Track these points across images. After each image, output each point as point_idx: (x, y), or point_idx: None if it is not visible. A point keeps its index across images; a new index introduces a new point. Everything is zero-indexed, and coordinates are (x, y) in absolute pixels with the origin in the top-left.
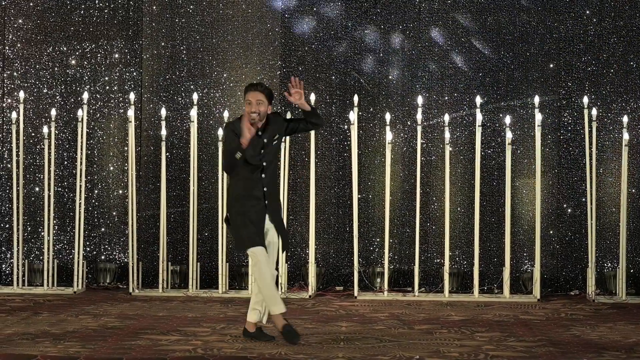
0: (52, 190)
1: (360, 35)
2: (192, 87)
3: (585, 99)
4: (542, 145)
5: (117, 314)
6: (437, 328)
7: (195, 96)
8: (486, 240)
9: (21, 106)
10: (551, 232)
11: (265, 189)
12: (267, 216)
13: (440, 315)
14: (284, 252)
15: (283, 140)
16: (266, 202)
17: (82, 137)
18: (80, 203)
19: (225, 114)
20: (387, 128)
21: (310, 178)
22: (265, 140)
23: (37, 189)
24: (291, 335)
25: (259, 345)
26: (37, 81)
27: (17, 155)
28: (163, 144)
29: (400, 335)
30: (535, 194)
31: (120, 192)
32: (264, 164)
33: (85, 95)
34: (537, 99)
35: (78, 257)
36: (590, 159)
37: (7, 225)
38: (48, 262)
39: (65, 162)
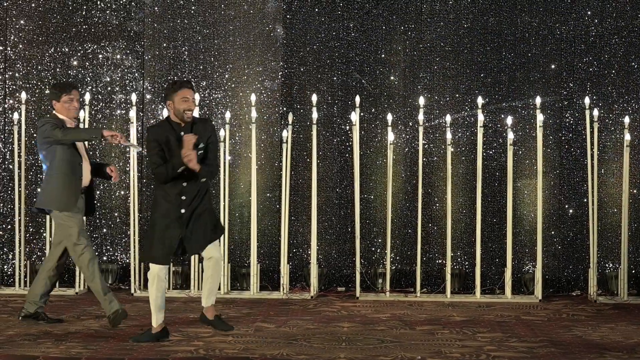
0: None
1: (362, 36)
2: (194, 87)
3: (587, 100)
4: (544, 145)
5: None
6: (438, 329)
7: (197, 97)
8: (488, 241)
9: (23, 107)
10: (553, 232)
11: (183, 197)
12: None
13: (442, 315)
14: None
15: (285, 141)
16: (182, 210)
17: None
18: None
19: (227, 115)
20: (389, 129)
21: (312, 179)
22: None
23: (38, 189)
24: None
25: (260, 346)
26: (39, 82)
27: (19, 156)
28: None
29: (402, 336)
30: (536, 194)
31: (122, 193)
32: (184, 183)
33: (87, 96)
34: (538, 100)
35: None
36: (592, 160)
37: (9, 226)
38: None
39: None
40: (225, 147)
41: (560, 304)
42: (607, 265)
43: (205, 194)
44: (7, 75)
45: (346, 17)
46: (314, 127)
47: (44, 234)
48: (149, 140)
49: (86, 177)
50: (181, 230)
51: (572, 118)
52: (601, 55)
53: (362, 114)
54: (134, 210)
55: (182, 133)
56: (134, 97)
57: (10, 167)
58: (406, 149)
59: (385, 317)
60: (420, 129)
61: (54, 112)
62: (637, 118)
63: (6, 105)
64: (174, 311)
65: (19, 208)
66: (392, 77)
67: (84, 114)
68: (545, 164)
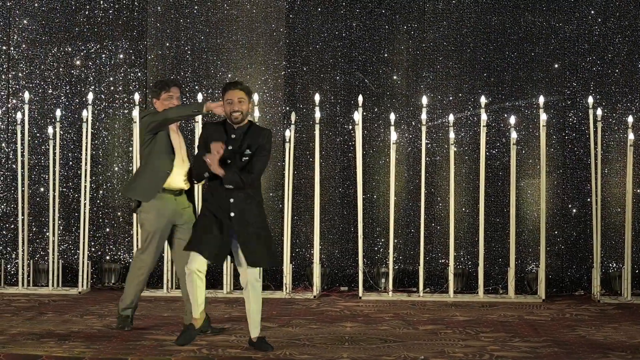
0: (57, 190)
1: (364, 35)
2: (196, 87)
3: (590, 99)
4: (547, 145)
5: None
6: (441, 328)
7: (199, 96)
8: (491, 241)
9: (26, 107)
10: (556, 232)
11: (232, 200)
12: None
13: (445, 315)
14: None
15: (288, 140)
16: (232, 214)
17: (87, 138)
18: (85, 203)
19: None
20: (392, 128)
21: (315, 178)
22: (230, 147)
23: (42, 189)
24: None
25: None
26: (42, 82)
27: (22, 156)
28: None
29: (405, 336)
30: (540, 194)
31: None
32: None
33: (90, 96)
34: (541, 99)
35: (83, 258)
36: (595, 159)
37: (12, 226)
38: (53, 262)
39: (70, 163)
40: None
41: (563, 303)
42: (610, 265)
43: (256, 207)
44: (10, 75)
45: (349, 17)
46: (317, 127)
47: (47, 234)
48: (200, 136)
49: (177, 180)
50: (226, 233)
51: (575, 117)
52: (604, 55)
53: (364, 113)
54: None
55: (233, 136)
56: (136, 97)
57: (14, 166)
58: (409, 149)
59: (388, 316)
60: (423, 129)
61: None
62: None
63: (9, 105)
64: (177, 310)
65: (22, 207)
66: (394, 77)
67: (87, 114)
68: (548, 163)
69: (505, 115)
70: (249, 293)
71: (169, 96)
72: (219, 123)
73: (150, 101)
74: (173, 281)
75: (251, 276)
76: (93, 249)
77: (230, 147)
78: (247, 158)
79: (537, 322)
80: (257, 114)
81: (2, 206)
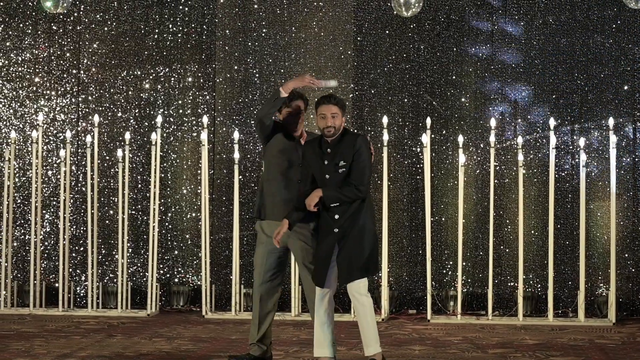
0: (126, 213)
1: (432, 57)
2: None
3: None
4: (617, 167)
5: (191, 336)
6: (511, 352)
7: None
8: (560, 264)
9: (96, 130)
10: (626, 255)
11: (336, 216)
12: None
13: (514, 339)
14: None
15: None
16: (335, 230)
17: (155, 161)
18: (153, 226)
19: None
20: (460, 150)
21: (383, 201)
22: (325, 162)
23: (111, 212)
24: None
25: None
26: (111, 105)
27: (92, 179)
28: (236, 167)
29: (473, 359)
30: (610, 216)
31: (194, 215)
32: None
33: (159, 119)
34: (611, 121)
35: (152, 280)
36: None
37: (82, 248)
38: (122, 284)
39: (139, 185)
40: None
41: (634, 327)
42: None
43: (358, 215)
44: (80, 99)
45: (417, 39)
46: (385, 149)
47: (116, 256)
48: (303, 150)
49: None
50: (333, 250)
51: None
52: None
53: (433, 135)
54: (205, 232)
55: (329, 150)
56: (205, 120)
57: (83, 189)
58: (477, 171)
59: (457, 340)
60: (492, 151)
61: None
62: None
63: (79, 128)
64: (245, 333)
65: (92, 230)
66: (463, 99)
67: (155, 136)
68: (618, 185)
69: (575, 137)
70: (355, 308)
71: (287, 112)
72: (314, 140)
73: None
74: (241, 304)
75: (352, 289)
76: (161, 272)
77: (326, 162)
78: (343, 169)
79: (607, 346)
80: None
81: (72, 229)
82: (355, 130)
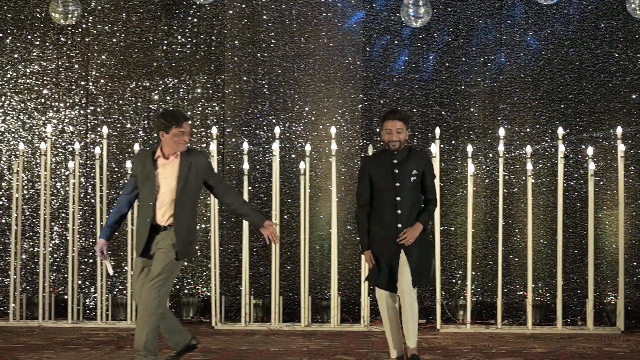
0: (134, 224)
1: (441, 67)
2: (274, 120)
3: None
4: (625, 176)
5: (201, 347)
6: None
7: (277, 130)
8: (569, 272)
9: (104, 141)
10: (635, 263)
11: (399, 225)
12: (402, 252)
13: (524, 347)
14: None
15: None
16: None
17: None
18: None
19: (307, 148)
20: (469, 160)
21: None
22: (396, 171)
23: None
24: None
25: None
26: (120, 116)
27: (101, 190)
28: (245, 177)
29: None
30: (618, 225)
31: (203, 226)
32: (398, 198)
33: None
34: (619, 130)
35: None
36: None
37: (91, 260)
38: (131, 296)
39: None
40: (305, 179)
41: None
42: None
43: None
44: (89, 110)
45: (425, 49)
46: None
47: (125, 268)
48: (360, 168)
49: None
50: (397, 256)
51: None
52: None
53: (442, 145)
54: (214, 243)
55: (395, 161)
56: (214, 131)
57: (92, 201)
58: (486, 180)
59: (466, 349)
60: (501, 160)
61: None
62: None
63: (88, 140)
64: (255, 344)
65: None
66: (472, 109)
67: None
68: (626, 194)
69: (583, 147)
70: (406, 304)
71: (180, 132)
72: (377, 154)
73: (157, 134)
74: (251, 314)
75: (411, 290)
76: None
77: (396, 171)
78: (415, 178)
79: (616, 354)
80: (334, 146)
81: (81, 241)
82: (365, 141)
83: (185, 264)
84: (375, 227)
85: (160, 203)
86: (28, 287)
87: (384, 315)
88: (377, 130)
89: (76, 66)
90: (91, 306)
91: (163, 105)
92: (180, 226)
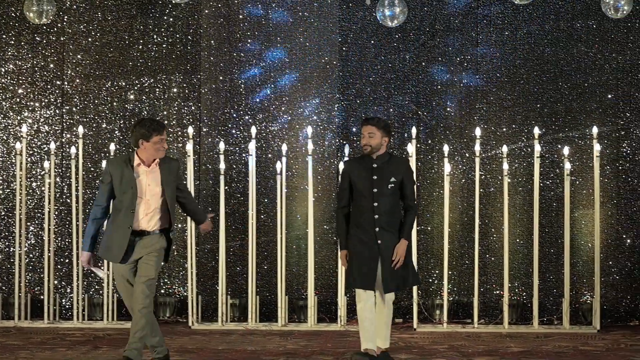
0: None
1: (418, 67)
2: (250, 120)
3: None
4: (601, 176)
5: (177, 347)
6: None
7: (253, 130)
8: (545, 272)
9: (80, 141)
10: (610, 262)
11: (377, 229)
12: (379, 258)
13: (500, 347)
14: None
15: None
16: (379, 241)
17: None
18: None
19: (284, 147)
20: (446, 160)
21: None
22: (375, 177)
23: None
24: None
25: None
26: (96, 116)
27: (77, 190)
28: (222, 177)
29: None
30: (594, 225)
31: (180, 225)
32: (375, 204)
33: None
34: (595, 130)
35: None
36: None
37: (67, 260)
38: (108, 296)
39: None
40: (282, 179)
41: (618, 334)
42: None
43: (395, 230)
44: (64, 110)
45: (402, 49)
46: None
47: (102, 267)
48: (342, 170)
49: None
50: (375, 261)
51: (629, 148)
52: None
53: (418, 145)
54: (191, 243)
55: (375, 165)
56: (190, 130)
57: (68, 201)
58: (463, 180)
59: (442, 348)
60: (477, 160)
61: (137, 150)
62: None
63: (63, 140)
64: (232, 343)
65: (77, 242)
66: (448, 109)
67: None
68: (602, 194)
69: (559, 146)
70: (383, 310)
71: (160, 139)
72: (359, 158)
73: (136, 143)
74: (228, 314)
75: (388, 295)
76: None
77: (375, 177)
78: (393, 185)
79: (592, 353)
80: (310, 146)
81: (57, 241)
82: (341, 141)
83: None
84: (353, 230)
85: (145, 209)
86: (4, 287)
87: (360, 313)
88: (354, 130)
89: (51, 65)
90: (67, 306)
91: (139, 105)
92: (171, 230)
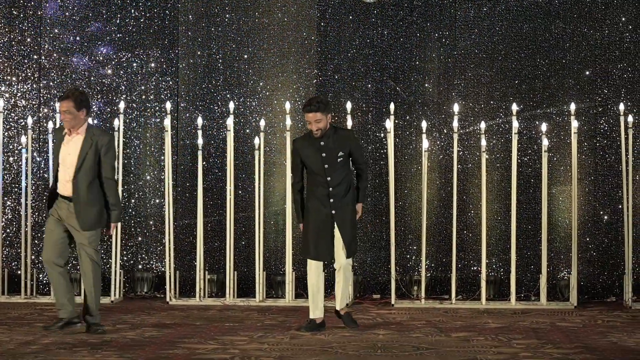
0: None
1: (396, 43)
2: (228, 95)
3: (622, 106)
4: (578, 152)
5: (155, 323)
6: (474, 335)
7: (231, 105)
8: (523, 248)
9: (57, 116)
10: (587, 239)
11: (331, 200)
12: (335, 225)
13: (477, 322)
14: (350, 257)
15: None
16: (333, 212)
17: (118, 147)
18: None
19: (262, 123)
20: (424, 136)
21: None
22: (324, 155)
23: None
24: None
25: (296, 354)
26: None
27: (54, 165)
28: (199, 153)
29: (437, 343)
30: (571, 201)
31: (157, 201)
32: (328, 178)
33: (122, 105)
34: (573, 106)
35: (115, 267)
36: (627, 166)
37: (44, 235)
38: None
39: None
40: (260, 155)
41: (595, 310)
42: None
43: (351, 202)
44: (41, 84)
45: (380, 25)
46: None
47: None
48: (291, 151)
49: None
50: (331, 231)
51: (606, 124)
52: (635, 62)
53: (396, 121)
54: (169, 218)
55: (322, 143)
56: (168, 105)
57: (45, 175)
58: (441, 156)
59: (420, 324)
60: (455, 136)
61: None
62: None
63: (41, 114)
64: (209, 319)
65: None
66: (426, 85)
67: (118, 123)
68: (579, 170)
69: (537, 123)
70: (342, 275)
71: (62, 110)
72: (306, 135)
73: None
74: (205, 290)
75: (347, 261)
76: (125, 258)
77: (324, 154)
78: (342, 158)
79: (569, 329)
80: (289, 122)
81: (34, 216)
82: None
83: (140, 239)
84: (309, 203)
85: (64, 176)
86: None
87: (311, 283)
88: (332, 105)
89: (28, 40)
90: (45, 281)
91: (117, 80)
92: (80, 199)
